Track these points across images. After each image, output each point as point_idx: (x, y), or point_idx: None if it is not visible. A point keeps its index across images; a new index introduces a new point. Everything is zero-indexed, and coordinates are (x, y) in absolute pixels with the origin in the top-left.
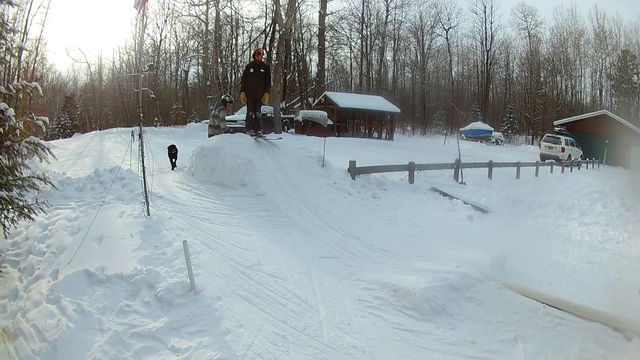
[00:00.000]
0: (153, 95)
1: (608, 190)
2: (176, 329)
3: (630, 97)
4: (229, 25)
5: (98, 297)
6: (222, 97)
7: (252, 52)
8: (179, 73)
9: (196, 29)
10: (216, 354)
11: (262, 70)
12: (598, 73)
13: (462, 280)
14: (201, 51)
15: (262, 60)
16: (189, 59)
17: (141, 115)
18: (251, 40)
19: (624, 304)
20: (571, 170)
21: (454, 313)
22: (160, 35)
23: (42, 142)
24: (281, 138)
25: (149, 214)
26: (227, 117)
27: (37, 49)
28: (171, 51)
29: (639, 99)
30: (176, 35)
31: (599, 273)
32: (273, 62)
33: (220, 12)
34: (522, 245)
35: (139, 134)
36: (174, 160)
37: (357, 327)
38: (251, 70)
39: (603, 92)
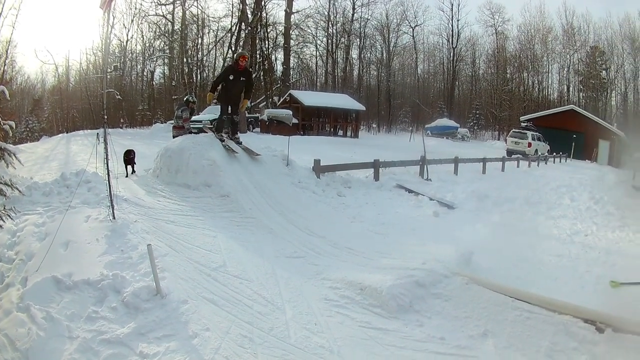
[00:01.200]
0: (119, 97)
1: (576, 183)
2: (143, 334)
3: (599, 92)
4: (195, 25)
5: (66, 304)
6: (185, 97)
7: (235, 55)
8: (145, 73)
9: (162, 28)
10: (184, 358)
11: (242, 79)
12: (566, 69)
13: (429, 276)
14: (167, 51)
15: (245, 66)
16: (155, 59)
17: (105, 117)
18: (217, 39)
19: (594, 296)
20: (538, 165)
21: (422, 310)
22: (127, 36)
23: (9, 146)
24: (260, 155)
25: (114, 218)
26: (192, 118)
27: (7, 52)
28: (137, 51)
29: (607, 94)
30: (142, 35)
31: (568, 266)
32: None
33: (187, 12)
34: (488, 240)
35: (104, 136)
36: (129, 166)
37: (324, 327)
38: (231, 78)
39: (570, 88)
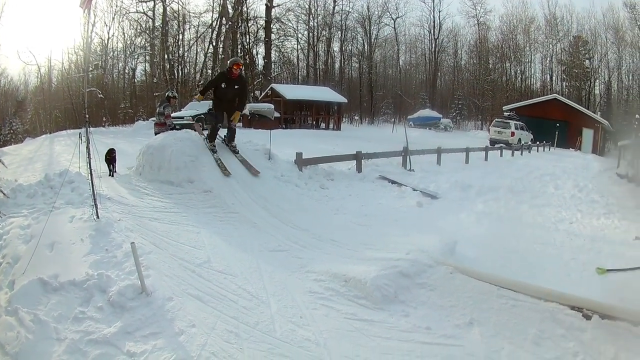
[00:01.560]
0: (101, 95)
1: (560, 172)
2: (130, 333)
3: (582, 81)
4: (175, 21)
5: (53, 305)
6: (166, 93)
7: (229, 62)
8: (126, 71)
9: (143, 25)
10: (171, 355)
11: (236, 87)
12: (548, 59)
13: (413, 266)
14: (148, 48)
15: (239, 74)
16: (136, 57)
17: (87, 116)
18: (198, 35)
19: (581, 283)
20: (521, 154)
21: (407, 300)
22: (108, 34)
23: None
24: (259, 173)
25: (98, 217)
26: (173, 114)
27: None
28: (119, 49)
29: (591, 83)
30: (124, 33)
31: (553, 253)
32: (219, 56)
33: (168, 8)
34: (472, 230)
35: (86, 136)
36: (111, 165)
37: (309, 320)
38: (223, 85)
39: (553, 77)
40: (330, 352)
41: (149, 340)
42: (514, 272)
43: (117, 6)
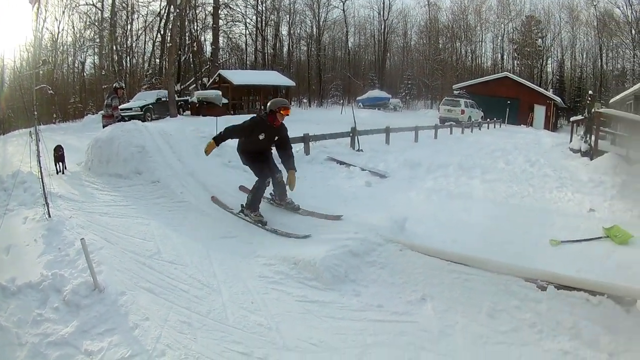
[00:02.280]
0: (51, 92)
1: (511, 147)
2: (87, 332)
3: (534, 59)
4: (124, 11)
5: (13, 310)
6: (114, 85)
7: (274, 105)
8: (76, 65)
9: (92, 17)
10: (127, 351)
11: (277, 138)
12: (500, 38)
13: (362, 245)
14: (97, 40)
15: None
16: (85, 50)
17: (35, 113)
18: (146, 24)
19: (535, 255)
20: (472, 131)
21: (357, 279)
22: (58, 28)
23: None
24: (309, 235)
25: (49, 216)
26: (121, 105)
27: None
28: (68, 43)
29: (543, 62)
30: (73, 27)
31: (506, 227)
32: (167, 44)
33: None
34: (422, 207)
35: (35, 134)
36: (60, 163)
37: (261, 305)
38: (261, 137)
39: (505, 56)
40: (283, 336)
41: (105, 337)
42: (466, 246)
43: (67, 0)
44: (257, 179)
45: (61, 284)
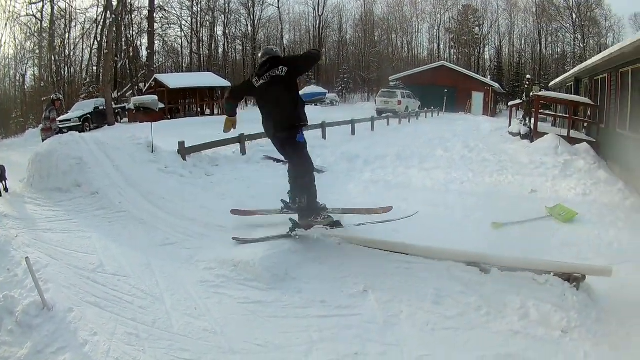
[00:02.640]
0: None
1: (449, 135)
2: (40, 352)
3: (471, 48)
4: (63, 20)
5: None
6: (51, 96)
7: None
8: (17, 78)
9: (32, 28)
10: None
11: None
12: (436, 28)
13: (299, 242)
14: (37, 51)
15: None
16: (26, 62)
17: None
18: (84, 31)
19: (477, 239)
20: (409, 122)
21: (298, 276)
22: (1, 41)
23: None
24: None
25: None
26: (60, 117)
27: None
28: (10, 56)
29: (480, 49)
30: (15, 39)
31: (446, 214)
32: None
33: (55, 7)
34: (360, 199)
35: None
36: (1, 183)
37: (204, 310)
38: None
39: (441, 46)
40: (229, 339)
41: (58, 356)
42: (406, 235)
43: (9, 12)
44: (297, 173)
45: (12, 306)
